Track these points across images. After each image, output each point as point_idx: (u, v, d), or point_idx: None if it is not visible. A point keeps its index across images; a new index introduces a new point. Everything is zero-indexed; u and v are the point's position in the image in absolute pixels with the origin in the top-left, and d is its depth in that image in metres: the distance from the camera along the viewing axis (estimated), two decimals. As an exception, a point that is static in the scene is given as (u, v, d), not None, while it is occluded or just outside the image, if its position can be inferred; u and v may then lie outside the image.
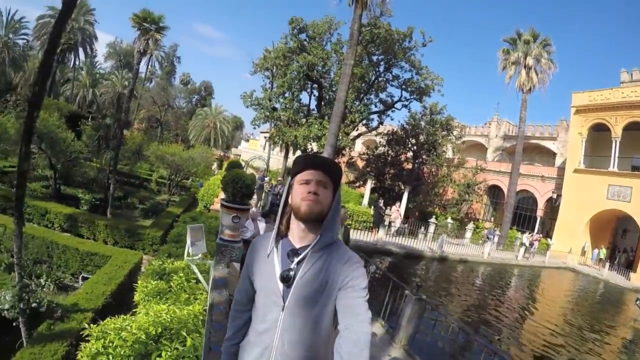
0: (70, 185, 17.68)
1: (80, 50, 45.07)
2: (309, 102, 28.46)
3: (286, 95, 26.58)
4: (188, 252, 3.87)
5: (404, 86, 26.79)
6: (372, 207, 21.10)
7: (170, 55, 64.53)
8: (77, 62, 46.86)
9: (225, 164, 27.64)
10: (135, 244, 11.28)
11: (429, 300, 6.70)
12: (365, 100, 27.32)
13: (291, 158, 32.36)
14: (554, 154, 33.82)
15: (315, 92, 27.54)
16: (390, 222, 19.10)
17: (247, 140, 66.11)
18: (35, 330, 4.89)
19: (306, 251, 1.49)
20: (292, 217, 1.54)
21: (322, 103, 26.86)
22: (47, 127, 14.29)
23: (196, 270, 4.09)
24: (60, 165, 15.86)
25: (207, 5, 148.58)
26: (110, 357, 2.99)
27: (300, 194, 1.48)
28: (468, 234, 23.11)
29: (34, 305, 5.21)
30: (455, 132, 29.38)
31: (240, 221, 7.26)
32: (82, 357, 3.00)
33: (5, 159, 18.73)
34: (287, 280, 1.46)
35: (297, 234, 1.53)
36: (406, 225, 21.02)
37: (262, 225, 8.15)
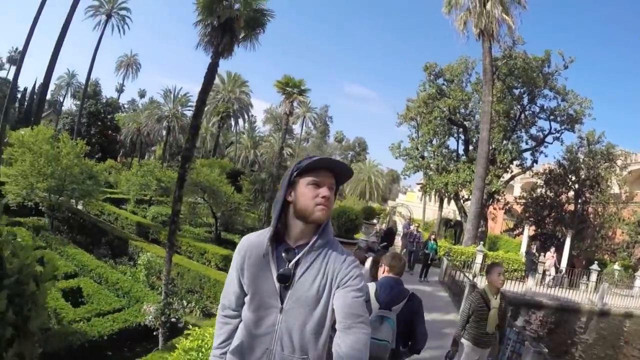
0: (230, 232, 20.31)
1: (240, 116, 53.14)
2: (457, 147, 27.77)
3: (433, 142, 26.53)
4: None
5: (551, 116, 24.23)
6: (525, 253, 18.66)
7: (323, 116, 70.84)
8: (238, 127, 55.32)
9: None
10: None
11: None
12: (514, 138, 25.32)
13: (446, 208, 31.28)
14: None
15: (462, 136, 26.73)
16: (544, 271, 16.51)
17: (405, 193, 66.66)
18: (170, 341, 5.69)
19: (304, 250, 1.45)
20: (291, 216, 1.49)
21: (469, 147, 25.88)
22: (210, 181, 17.07)
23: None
24: (220, 213, 18.48)
25: (355, 66, 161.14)
26: (201, 354, 3.34)
27: (311, 197, 1.43)
28: (638, 283, 18.47)
29: (173, 320, 6.09)
30: (619, 162, 24.86)
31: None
32: (178, 349, 3.42)
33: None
34: (285, 280, 1.42)
35: (295, 233, 1.49)
36: (563, 273, 17.87)
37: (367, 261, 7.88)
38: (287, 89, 21.94)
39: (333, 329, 1.45)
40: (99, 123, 35.92)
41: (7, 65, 53.58)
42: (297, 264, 1.44)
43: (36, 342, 1.12)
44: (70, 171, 15.17)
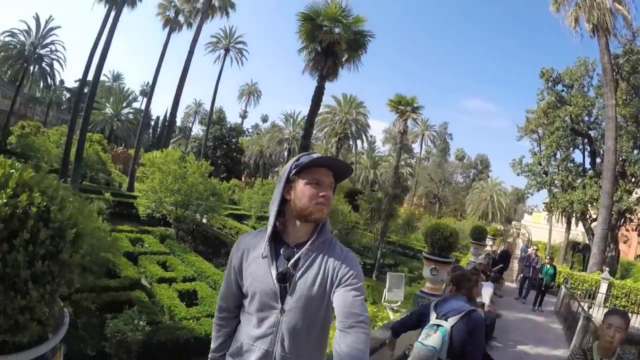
0: (346, 251, 20.71)
1: (358, 137, 54.09)
2: (583, 160, 24.50)
3: (557, 156, 23.89)
4: (385, 297, 4.13)
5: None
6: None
7: (442, 133, 68.31)
8: (357, 148, 56.42)
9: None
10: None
11: None
12: (647, 147, 21.21)
13: (574, 230, 27.59)
14: None
15: (587, 147, 23.56)
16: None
17: (530, 213, 60.74)
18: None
19: (303, 249, 1.43)
20: (289, 214, 1.46)
21: (596, 159, 22.67)
22: (327, 201, 17.85)
23: (391, 315, 4.28)
24: (337, 231, 18.77)
25: (472, 80, 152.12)
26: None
27: (310, 196, 1.40)
28: None
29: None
30: None
31: (438, 274, 6.76)
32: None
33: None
34: (285, 280, 1.39)
35: (293, 232, 1.47)
36: None
37: (487, 290, 7.16)
38: (400, 107, 21.95)
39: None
40: (224, 146, 40.36)
41: (139, 98, 62.76)
42: (296, 263, 1.42)
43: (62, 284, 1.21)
44: (195, 188, 17.14)
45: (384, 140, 70.27)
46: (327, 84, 13.34)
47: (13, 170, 1.06)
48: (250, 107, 67.87)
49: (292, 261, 1.41)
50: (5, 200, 0.93)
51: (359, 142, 54.21)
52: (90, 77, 22.41)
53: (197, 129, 70.10)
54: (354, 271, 1.40)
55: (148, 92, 34.16)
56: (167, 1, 31.81)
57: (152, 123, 61.52)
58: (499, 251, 15.59)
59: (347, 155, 56.53)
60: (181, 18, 31.85)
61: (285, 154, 44.13)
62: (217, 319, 1.62)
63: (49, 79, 34.56)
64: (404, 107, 21.75)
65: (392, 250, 20.29)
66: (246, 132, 71.66)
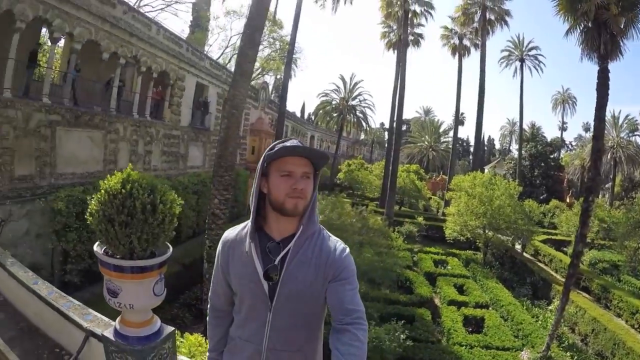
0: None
1: None
2: None
3: None
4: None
5: None
6: None
7: None
8: None
9: None
10: None
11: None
12: None
13: None
14: None
15: None
16: None
17: None
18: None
19: (289, 245, 1.37)
20: (268, 208, 1.40)
21: None
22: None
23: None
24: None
25: None
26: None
27: (283, 189, 1.33)
28: None
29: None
30: None
31: None
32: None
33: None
34: (272, 278, 1.33)
35: (276, 226, 1.40)
36: None
37: None
38: None
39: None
40: (542, 164, 35.91)
41: (452, 125, 64.90)
42: (283, 258, 1.35)
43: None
44: (502, 211, 16.75)
45: None
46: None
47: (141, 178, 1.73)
48: (567, 116, 57.59)
49: (278, 257, 1.35)
50: (124, 191, 1.64)
51: None
52: (395, 116, 26.10)
53: (515, 149, 66.48)
54: (346, 262, 1.35)
55: (453, 120, 35.83)
56: (447, 30, 32.60)
57: (461, 149, 63.24)
58: None
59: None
60: (466, 42, 32.04)
61: (612, 164, 34.61)
62: (210, 318, 1.58)
63: (363, 124, 41.88)
64: None
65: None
66: (569, 146, 61.62)
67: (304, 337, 1.39)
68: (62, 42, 13.35)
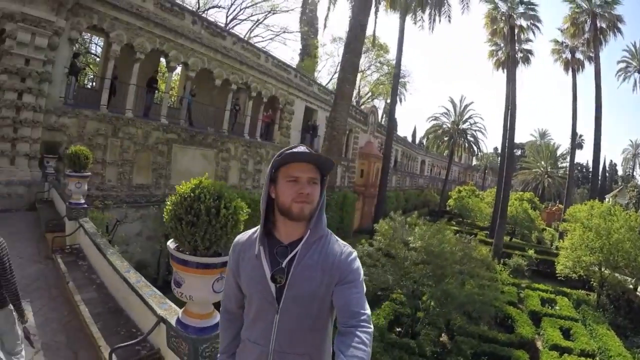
0: None
1: None
2: None
3: None
4: None
5: None
6: None
7: None
8: None
9: None
10: None
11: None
12: None
13: None
14: None
15: None
16: None
17: None
18: None
19: (297, 248, 1.42)
20: (277, 213, 1.45)
21: None
22: None
23: None
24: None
25: None
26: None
27: (290, 194, 1.39)
28: None
29: None
30: None
31: None
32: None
33: None
34: (279, 280, 1.38)
35: (284, 230, 1.45)
36: None
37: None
38: None
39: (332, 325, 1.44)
40: None
41: (569, 150, 57.09)
42: (291, 261, 1.40)
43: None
44: (621, 246, 14.56)
45: None
46: None
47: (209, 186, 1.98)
48: None
49: (286, 260, 1.40)
50: (192, 195, 1.90)
51: None
52: (506, 140, 24.23)
53: (639, 175, 57.06)
54: (353, 266, 1.38)
55: (570, 145, 32.14)
56: (558, 44, 29.84)
57: (580, 175, 56.03)
58: None
59: None
60: (579, 55, 29.01)
61: None
62: (222, 319, 1.63)
63: (474, 148, 39.80)
64: None
65: None
66: None
67: (310, 340, 1.41)
68: (178, 70, 15.24)
